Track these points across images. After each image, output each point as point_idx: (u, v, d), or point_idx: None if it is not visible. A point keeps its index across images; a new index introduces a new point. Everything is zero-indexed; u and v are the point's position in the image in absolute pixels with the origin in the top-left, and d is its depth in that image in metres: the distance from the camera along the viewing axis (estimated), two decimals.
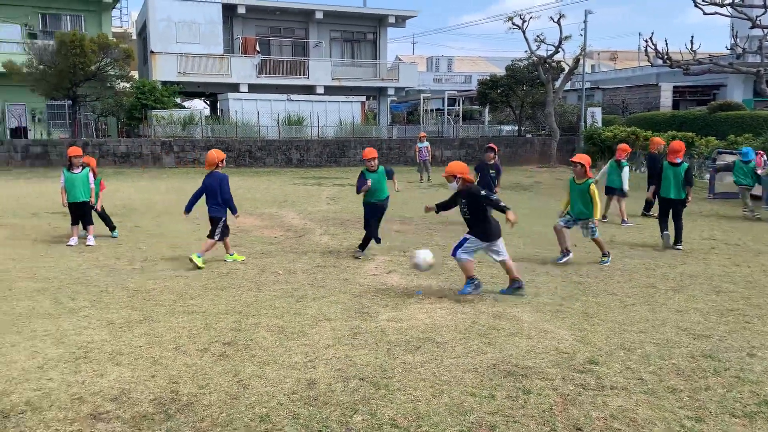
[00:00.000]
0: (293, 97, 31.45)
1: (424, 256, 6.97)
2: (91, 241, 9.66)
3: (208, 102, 37.88)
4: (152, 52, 30.89)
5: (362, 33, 37.51)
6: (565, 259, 8.59)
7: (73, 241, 9.63)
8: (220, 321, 5.90)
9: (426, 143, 21.80)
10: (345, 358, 5.01)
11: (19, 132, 28.99)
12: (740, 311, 6.41)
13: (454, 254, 6.85)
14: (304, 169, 26.62)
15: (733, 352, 5.24)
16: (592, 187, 8.35)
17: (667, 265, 8.59)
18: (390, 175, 9.09)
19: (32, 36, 29.62)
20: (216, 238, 8.36)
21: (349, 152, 28.78)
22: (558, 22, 28.52)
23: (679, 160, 9.68)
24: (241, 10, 32.95)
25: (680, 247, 9.61)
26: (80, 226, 9.79)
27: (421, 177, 21.37)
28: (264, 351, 5.14)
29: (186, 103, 34.94)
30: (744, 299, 6.87)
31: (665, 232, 9.80)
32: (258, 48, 33.66)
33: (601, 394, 4.40)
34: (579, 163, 8.53)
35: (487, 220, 6.78)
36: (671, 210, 9.81)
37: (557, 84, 30.31)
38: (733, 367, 4.90)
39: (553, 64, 30.12)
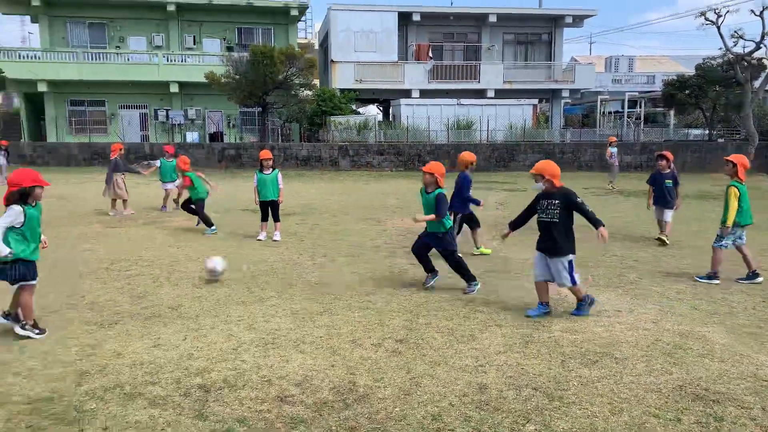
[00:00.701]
0: (463, 101, 31.58)
1: (217, 263, 7.45)
2: (277, 236, 10.45)
3: (381, 108, 39.30)
4: (332, 61, 32.72)
5: (537, 34, 36.66)
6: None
7: (262, 236, 10.49)
8: (393, 318, 6.09)
9: (616, 148, 20.83)
10: (516, 365, 4.93)
11: (216, 137, 32.21)
12: None
13: (574, 283, 6.18)
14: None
15: None
16: (731, 189, 7.55)
17: None
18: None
19: (229, 49, 32.78)
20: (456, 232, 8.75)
21: (519, 156, 28.24)
22: (761, 15, 25.68)
23: None
24: (416, 18, 33.75)
25: None
26: (269, 222, 10.62)
27: (611, 182, 20.37)
28: (435, 351, 5.22)
29: (361, 109, 36.52)
30: None
31: None
32: (430, 54, 34.28)
33: None
34: (731, 161, 7.69)
35: (569, 231, 6.15)
36: None
37: (757, 84, 27.30)
38: None
39: (753, 61, 27.16)
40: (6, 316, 5.65)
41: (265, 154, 10.49)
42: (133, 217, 13.00)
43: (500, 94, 33.73)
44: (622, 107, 39.40)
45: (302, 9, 33.69)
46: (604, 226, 6.09)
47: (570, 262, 6.12)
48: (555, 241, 6.10)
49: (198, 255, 9.14)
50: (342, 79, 32.50)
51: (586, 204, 6.16)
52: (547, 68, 35.56)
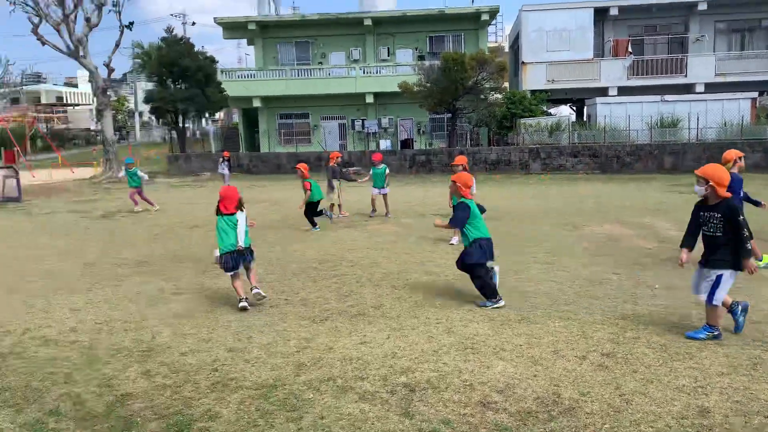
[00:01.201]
0: (667, 97, 29.20)
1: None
2: (454, 240, 10.51)
3: (574, 108, 37.79)
4: (523, 62, 32.17)
5: (756, 20, 32.80)
6: None
7: (455, 240, 10.63)
8: (596, 331, 5.82)
9: None
10: (744, 389, 4.44)
11: (407, 143, 33.31)
12: None
13: (710, 301, 5.41)
14: (677, 175, 24.47)
15: None
16: None
17: None
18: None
19: (421, 58, 33.74)
20: None
21: None
22: None
23: None
24: (614, 12, 31.98)
25: None
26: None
27: None
28: (646, 368, 4.89)
29: (552, 110, 35.45)
30: None
31: None
32: (630, 49, 32.23)
33: None
34: None
35: (734, 245, 5.35)
36: None
37: None
38: None
39: None
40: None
41: (461, 159, 10.63)
42: (343, 220, 13.85)
43: (711, 88, 30.68)
44: None
45: (493, 12, 33.60)
46: (749, 258, 5.34)
47: (719, 277, 5.39)
48: (716, 254, 5.44)
49: (396, 257, 9.51)
50: (533, 80, 31.83)
51: (745, 227, 5.36)
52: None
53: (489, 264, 6.89)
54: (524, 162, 27.51)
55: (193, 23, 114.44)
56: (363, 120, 34.48)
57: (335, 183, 14.10)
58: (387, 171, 14.19)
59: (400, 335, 5.82)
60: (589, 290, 7.36)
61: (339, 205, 14.27)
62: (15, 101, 62.33)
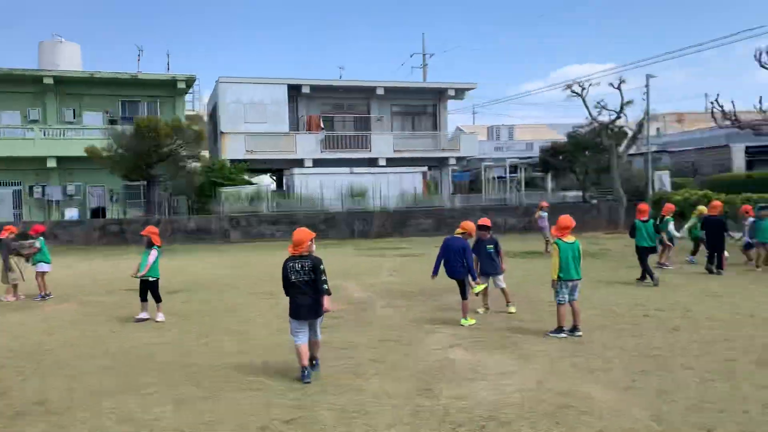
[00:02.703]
0: (356, 169, 32.18)
1: None
2: (160, 317, 9.93)
3: (274, 177, 39.21)
4: (222, 132, 32.49)
5: (423, 106, 38.40)
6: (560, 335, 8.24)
7: (143, 314, 9.93)
8: (282, 397, 5.89)
9: (546, 213, 19.75)
10: None
11: (98, 212, 30.68)
12: None
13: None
14: (367, 240, 26.87)
15: None
16: (553, 246, 8.42)
17: (747, 336, 8.07)
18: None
19: (112, 122, 31.76)
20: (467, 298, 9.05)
21: (411, 222, 28.94)
22: (618, 88, 28.40)
23: (645, 219, 12.66)
24: (306, 90, 34.41)
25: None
26: (149, 302, 10.08)
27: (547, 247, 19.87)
28: (322, 429, 5.06)
29: (255, 179, 36.28)
30: None
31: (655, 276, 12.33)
32: (322, 124, 34.91)
33: None
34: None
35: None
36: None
37: (621, 149, 29.87)
38: None
39: (616, 129, 29.78)
40: None
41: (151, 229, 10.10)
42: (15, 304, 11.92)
43: (391, 162, 34.71)
44: (505, 173, 41.66)
45: (190, 81, 33.45)
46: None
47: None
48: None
49: (73, 342, 8.49)
50: (232, 149, 32.26)
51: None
52: (433, 137, 37.16)
53: None
54: (224, 230, 27.41)
55: None
56: (43, 186, 30.82)
57: (12, 261, 12.22)
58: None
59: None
60: (281, 359, 7.45)
61: (15, 285, 12.35)
62: None
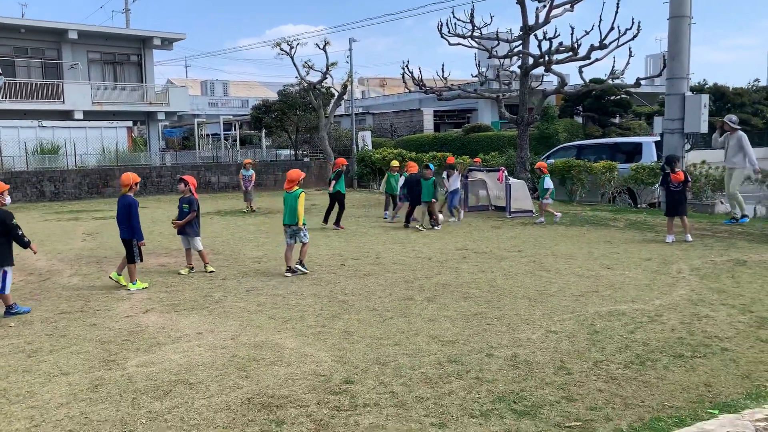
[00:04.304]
0: (45, 123, 28.36)
1: None
2: None
3: None
4: None
5: (126, 55, 35.18)
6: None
7: None
8: None
9: (251, 171, 19.37)
10: (80, 416, 4.45)
11: None
12: (483, 314, 6.99)
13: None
14: (60, 202, 23.99)
15: (475, 354, 5.66)
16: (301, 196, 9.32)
17: (425, 276, 9.14)
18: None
19: None
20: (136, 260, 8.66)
21: (114, 182, 26.59)
22: (324, 49, 29.43)
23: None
24: None
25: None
26: None
27: (249, 206, 19.40)
28: None
29: None
30: (487, 302, 7.52)
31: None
32: (0, 70, 29.83)
33: (354, 413, 4.43)
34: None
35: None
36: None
37: (328, 109, 31.26)
38: (474, 368, 5.28)
39: (323, 89, 30.99)
40: None
41: None
42: None
43: (90, 116, 31.33)
44: (220, 130, 40.77)
45: None
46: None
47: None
48: None
49: None
50: None
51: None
52: (139, 90, 34.44)
53: None
54: None
55: None
56: None
57: None
58: None
59: None
60: None
61: None
62: None
